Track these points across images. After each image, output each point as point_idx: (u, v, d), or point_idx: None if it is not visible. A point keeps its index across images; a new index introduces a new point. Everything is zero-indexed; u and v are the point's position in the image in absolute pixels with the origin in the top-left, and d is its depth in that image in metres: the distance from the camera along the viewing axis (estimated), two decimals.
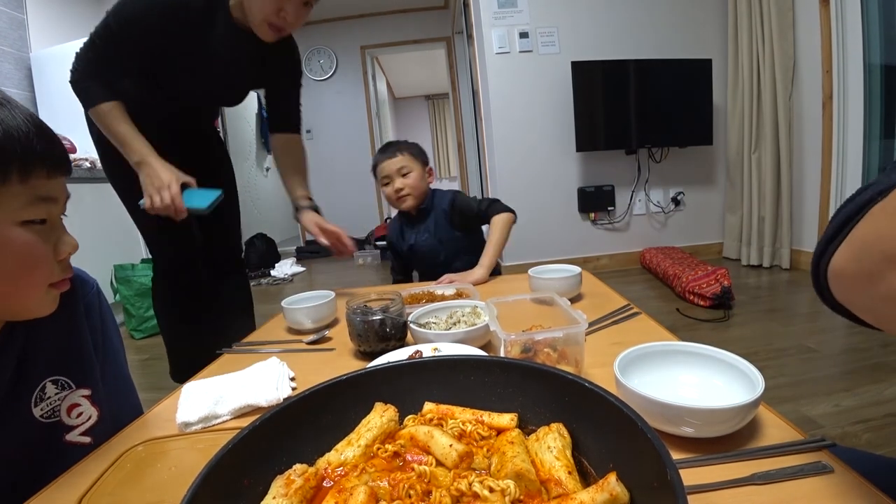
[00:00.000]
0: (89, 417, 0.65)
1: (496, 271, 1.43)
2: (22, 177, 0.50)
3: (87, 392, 0.65)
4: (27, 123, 0.51)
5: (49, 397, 0.62)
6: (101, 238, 2.62)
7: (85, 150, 2.70)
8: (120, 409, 0.71)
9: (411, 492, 0.37)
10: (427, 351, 0.74)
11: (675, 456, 0.45)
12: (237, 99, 1.46)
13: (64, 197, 0.58)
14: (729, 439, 0.47)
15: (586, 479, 0.39)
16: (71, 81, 1.17)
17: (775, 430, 0.49)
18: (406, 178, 1.54)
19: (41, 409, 0.61)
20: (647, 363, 0.57)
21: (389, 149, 1.56)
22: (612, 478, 0.34)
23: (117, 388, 0.73)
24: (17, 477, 0.57)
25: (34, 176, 0.52)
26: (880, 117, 2.52)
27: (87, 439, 0.64)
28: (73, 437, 0.63)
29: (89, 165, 2.55)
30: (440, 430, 0.44)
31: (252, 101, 6.29)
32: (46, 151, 0.53)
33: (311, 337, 0.95)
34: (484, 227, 1.68)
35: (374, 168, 1.57)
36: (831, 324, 2.13)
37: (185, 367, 1.34)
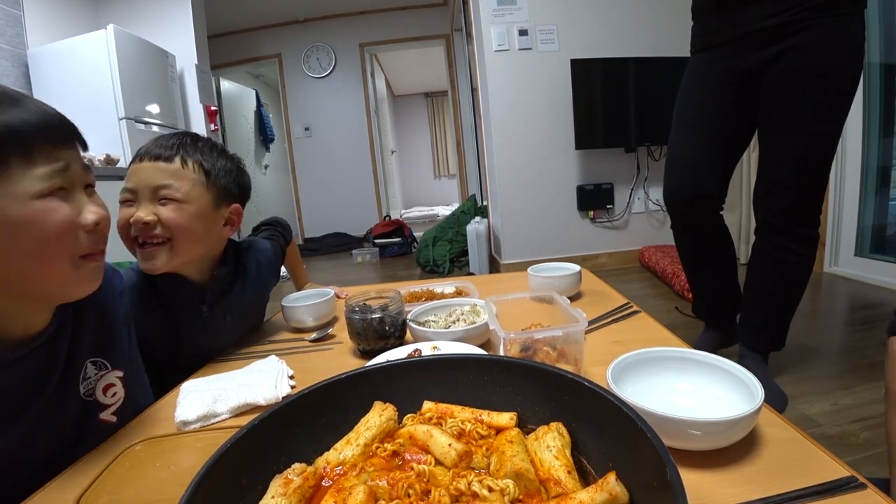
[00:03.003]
0: (120, 398, 0.68)
1: (496, 269, 1.37)
2: (25, 157, 0.50)
3: (120, 374, 0.69)
4: (30, 111, 0.52)
5: (90, 377, 0.65)
6: None
7: None
8: (138, 393, 0.73)
9: (410, 491, 0.37)
10: (426, 349, 0.74)
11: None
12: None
13: (78, 164, 0.56)
14: (727, 447, 0.46)
15: (586, 479, 0.39)
16: None
17: (774, 429, 0.49)
18: (165, 204, 0.80)
19: (84, 388, 0.64)
20: (642, 370, 0.56)
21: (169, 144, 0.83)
22: (611, 477, 0.34)
23: (137, 373, 0.75)
24: (58, 452, 0.59)
25: (36, 153, 0.51)
26: (879, 116, 2.52)
27: (114, 419, 0.66)
28: (105, 415, 0.65)
29: (87, 163, 2.54)
30: (439, 429, 0.44)
31: (251, 99, 6.28)
32: (45, 125, 0.53)
33: (315, 335, 0.95)
34: None
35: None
36: (830, 322, 2.13)
37: None
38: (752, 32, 1.30)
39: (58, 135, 0.53)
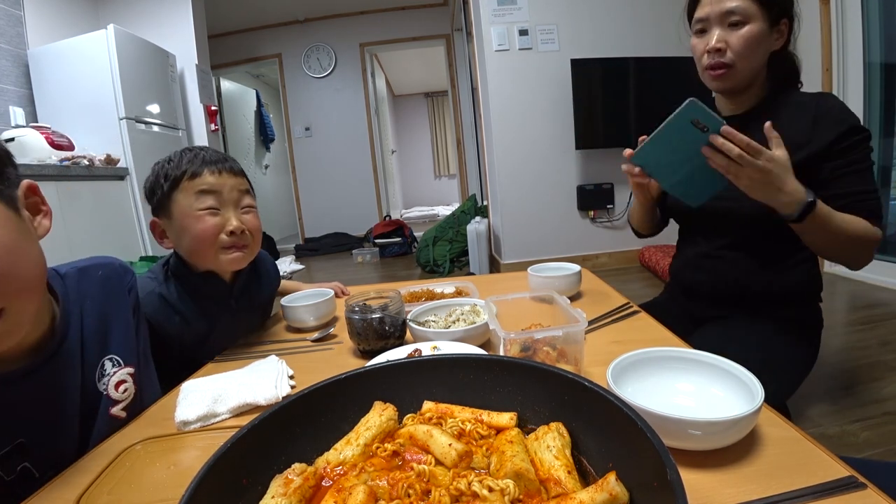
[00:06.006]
0: (130, 395, 0.70)
1: (496, 269, 1.37)
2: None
3: (131, 370, 0.71)
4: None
5: (108, 374, 0.68)
6: (99, 235, 2.62)
7: (83, 147, 2.69)
8: (146, 389, 0.75)
9: (410, 491, 0.37)
10: (426, 349, 0.74)
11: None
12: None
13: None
14: (727, 447, 0.46)
15: (586, 479, 0.39)
16: None
17: (774, 429, 0.49)
18: (248, 213, 0.93)
19: (102, 385, 0.67)
20: (642, 370, 0.56)
21: (219, 158, 0.91)
22: (611, 477, 0.34)
23: (147, 368, 0.78)
24: (78, 445, 0.62)
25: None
26: (880, 116, 2.52)
27: (123, 414, 0.69)
28: (116, 410, 0.68)
29: (87, 163, 2.54)
30: (439, 429, 0.44)
31: (251, 98, 6.28)
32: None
33: (316, 335, 0.95)
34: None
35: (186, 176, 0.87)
36: (830, 322, 2.13)
37: None
38: None
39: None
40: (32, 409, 0.57)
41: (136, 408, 0.71)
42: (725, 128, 0.76)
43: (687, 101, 0.76)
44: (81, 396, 0.63)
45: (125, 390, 0.69)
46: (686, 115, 0.76)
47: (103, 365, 0.68)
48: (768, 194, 0.80)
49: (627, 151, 0.88)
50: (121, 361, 0.70)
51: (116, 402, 0.68)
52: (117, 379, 0.69)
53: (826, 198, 0.86)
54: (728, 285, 1.03)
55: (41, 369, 0.58)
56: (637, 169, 0.88)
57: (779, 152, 0.78)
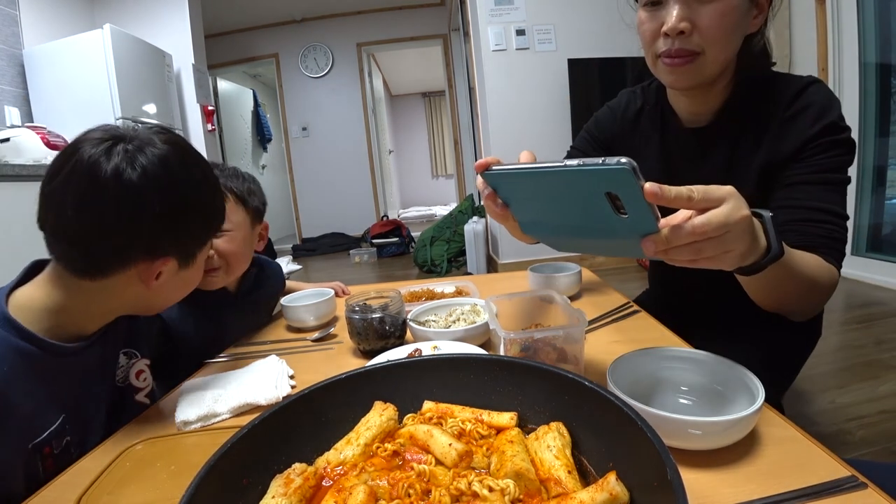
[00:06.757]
0: (150, 384, 0.76)
1: (494, 269, 1.36)
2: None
3: (147, 362, 0.77)
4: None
5: (122, 366, 0.73)
6: None
7: None
8: (160, 386, 0.82)
9: (410, 491, 0.37)
10: (426, 349, 0.74)
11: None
12: None
13: None
14: (727, 447, 0.46)
15: (586, 479, 0.39)
16: None
17: (774, 429, 0.49)
18: (219, 237, 0.88)
19: (118, 377, 0.72)
20: (642, 370, 0.56)
21: None
22: (611, 477, 0.34)
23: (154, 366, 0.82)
24: (103, 434, 0.65)
25: None
26: (875, 115, 2.53)
27: (147, 401, 0.75)
28: (140, 397, 0.74)
29: None
30: (440, 428, 0.44)
31: (248, 98, 6.27)
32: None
33: (316, 334, 0.95)
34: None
35: None
36: (826, 321, 2.14)
37: None
38: None
39: None
40: (75, 385, 0.63)
41: (155, 398, 0.75)
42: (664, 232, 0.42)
43: (619, 163, 0.38)
44: (110, 386, 0.69)
45: (144, 379, 0.75)
46: (605, 182, 0.42)
47: (118, 358, 0.72)
48: (738, 258, 0.48)
49: (482, 162, 0.55)
50: (137, 354, 0.75)
51: (139, 390, 0.74)
52: (137, 368, 0.74)
53: (773, 209, 0.60)
54: (710, 317, 0.93)
55: (88, 349, 0.64)
56: (489, 191, 0.58)
57: (722, 209, 0.42)
